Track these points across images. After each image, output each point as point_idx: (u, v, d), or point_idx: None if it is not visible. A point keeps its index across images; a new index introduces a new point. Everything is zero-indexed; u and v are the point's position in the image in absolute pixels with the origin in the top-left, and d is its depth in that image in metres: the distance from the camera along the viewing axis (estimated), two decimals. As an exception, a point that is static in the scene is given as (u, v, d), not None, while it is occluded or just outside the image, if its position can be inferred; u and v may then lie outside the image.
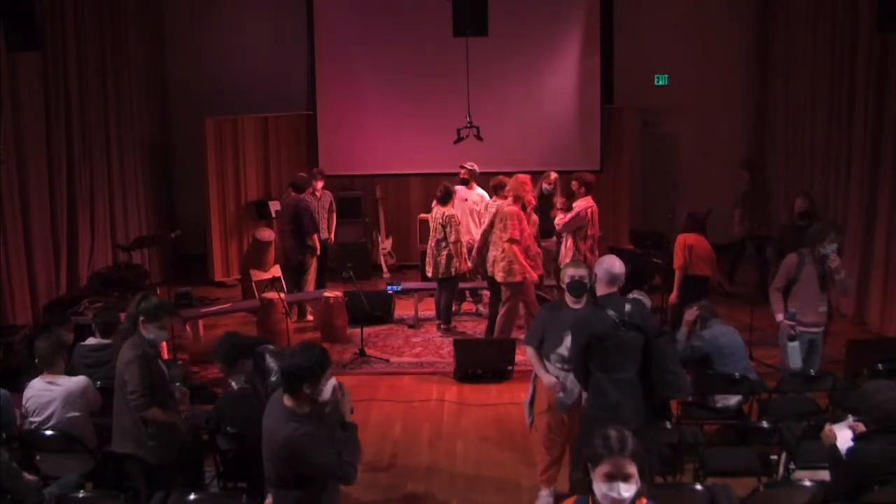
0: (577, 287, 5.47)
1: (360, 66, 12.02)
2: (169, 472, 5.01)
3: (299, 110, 12.39)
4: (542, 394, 5.61)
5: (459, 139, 10.03)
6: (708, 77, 12.40)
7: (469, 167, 9.97)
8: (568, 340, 5.38)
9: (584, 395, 5.40)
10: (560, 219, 8.84)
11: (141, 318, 4.95)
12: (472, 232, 9.60)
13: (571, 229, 8.69)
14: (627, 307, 4.90)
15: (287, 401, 3.82)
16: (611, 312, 4.85)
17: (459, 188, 9.96)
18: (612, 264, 5.07)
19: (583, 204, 8.70)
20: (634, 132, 12.45)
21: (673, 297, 8.16)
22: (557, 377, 5.43)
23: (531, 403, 5.72)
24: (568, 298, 5.55)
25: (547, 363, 5.50)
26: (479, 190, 9.94)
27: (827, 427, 4.69)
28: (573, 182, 8.90)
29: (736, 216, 10.68)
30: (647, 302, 6.27)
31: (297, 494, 3.82)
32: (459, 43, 10.26)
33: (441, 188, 9.41)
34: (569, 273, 5.54)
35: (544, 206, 9.63)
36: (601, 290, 5.04)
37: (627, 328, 4.84)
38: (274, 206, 11.82)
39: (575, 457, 5.12)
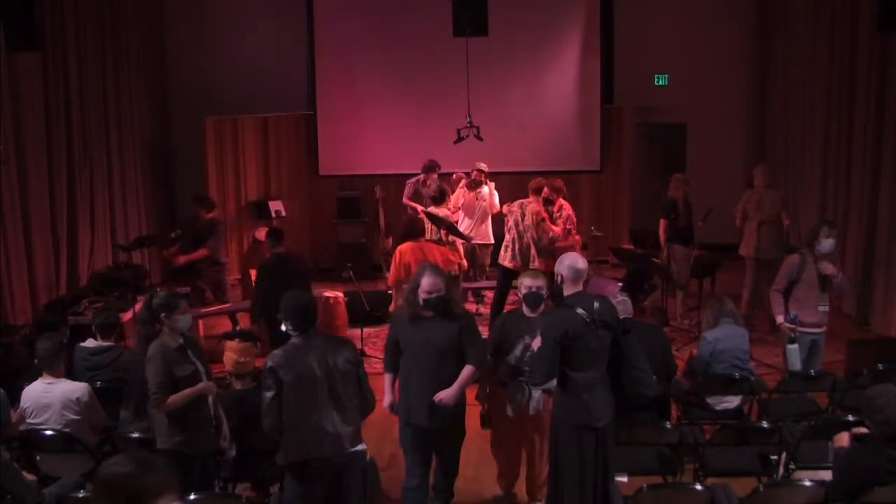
0: (534, 298, 5.47)
1: (361, 66, 12.03)
2: (206, 463, 5.02)
3: (299, 110, 12.39)
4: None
5: (459, 139, 10.03)
6: (708, 77, 12.41)
7: (482, 168, 9.99)
8: (518, 350, 5.40)
9: (540, 400, 5.43)
10: (552, 234, 8.78)
11: (163, 315, 4.97)
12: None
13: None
14: (596, 305, 4.85)
15: None
16: (580, 311, 4.78)
17: (462, 189, 9.99)
18: (575, 260, 4.99)
19: (566, 210, 8.82)
20: (634, 132, 12.45)
21: None
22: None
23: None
24: (525, 308, 5.54)
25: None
26: (486, 188, 9.99)
27: (839, 435, 4.65)
28: (545, 188, 8.87)
29: None
30: (630, 308, 6.19)
31: None
32: (459, 43, 10.26)
33: (435, 188, 9.44)
34: (525, 284, 5.52)
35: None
36: (568, 288, 4.93)
37: (597, 326, 4.80)
38: (274, 206, 11.82)
39: (553, 471, 5.08)
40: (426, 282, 5.07)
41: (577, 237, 8.91)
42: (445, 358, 5.14)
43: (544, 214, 8.80)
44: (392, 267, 7.92)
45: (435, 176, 10.30)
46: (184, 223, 9.85)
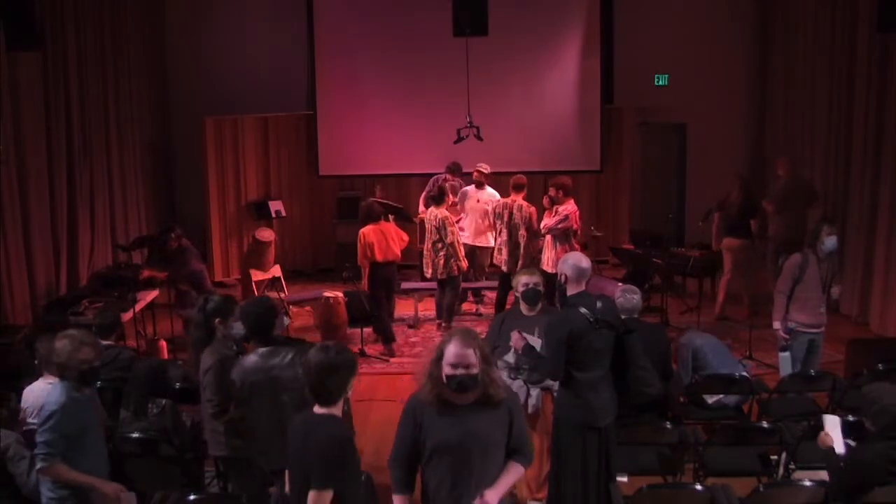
0: (532, 295, 5.51)
1: (361, 66, 12.02)
2: (258, 466, 4.93)
3: (299, 110, 12.39)
4: None
5: (459, 139, 10.03)
6: (708, 77, 12.40)
7: (482, 169, 9.98)
8: (511, 341, 5.38)
9: (539, 398, 5.43)
10: (545, 222, 8.79)
11: (217, 321, 4.94)
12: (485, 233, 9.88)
13: (559, 232, 8.64)
14: (598, 304, 4.85)
15: None
16: (583, 311, 4.78)
17: (469, 189, 10.01)
18: (579, 260, 4.98)
19: (569, 207, 8.66)
20: (634, 132, 12.45)
21: None
22: None
23: None
24: (522, 306, 5.56)
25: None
26: (490, 190, 9.97)
27: (822, 433, 4.69)
28: (551, 188, 8.86)
29: None
30: (637, 297, 6.11)
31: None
32: (459, 43, 10.27)
33: (435, 188, 9.49)
34: (522, 281, 5.54)
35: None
36: (571, 288, 4.92)
37: (600, 326, 4.79)
38: (274, 206, 11.82)
39: (554, 470, 5.08)
40: (451, 351, 3.76)
41: (576, 243, 8.71)
42: (491, 457, 3.85)
43: (532, 212, 8.89)
44: (358, 248, 8.88)
45: (458, 179, 10.36)
46: (153, 241, 10.04)
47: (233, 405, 4.76)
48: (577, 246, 8.59)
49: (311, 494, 3.59)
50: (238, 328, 4.93)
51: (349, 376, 3.73)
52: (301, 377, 4.20)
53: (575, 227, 8.66)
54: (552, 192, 8.79)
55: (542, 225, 8.84)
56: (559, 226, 8.59)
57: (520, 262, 8.88)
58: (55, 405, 4.31)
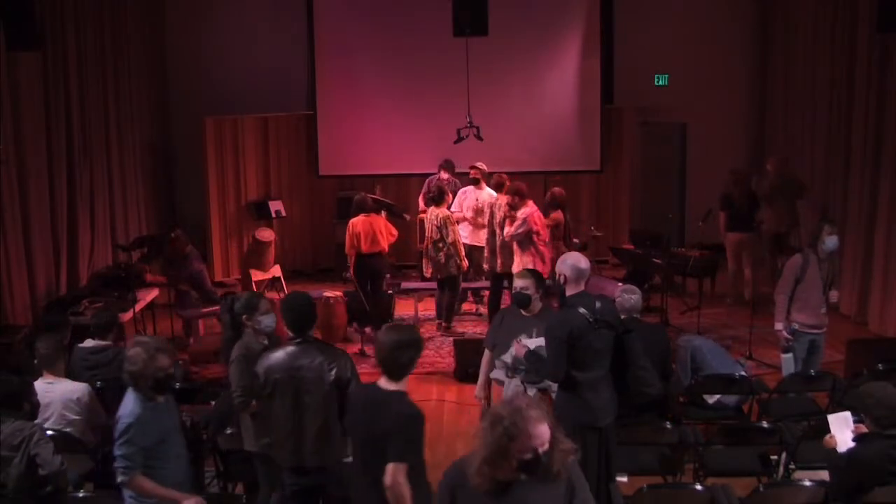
0: (519, 298, 5.57)
1: (361, 66, 12.02)
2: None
3: (299, 110, 12.38)
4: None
5: (459, 139, 10.04)
6: (708, 77, 12.40)
7: (479, 167, 9.97)
8: (514, 349, 5.39)
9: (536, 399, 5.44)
10: (507, 230, 8.68)
11: (244, 317, 4.94)
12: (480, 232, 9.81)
13: (521, 237, 8.53)
14: (598, 304, 4.85)
15: None
16: (582, 311, 4.79)
17: (468, 188, 10.00)
18: (578, 260, 4.97)
19: (526, 211, 8.57)
20: (634, 132, 12.44)
21: None
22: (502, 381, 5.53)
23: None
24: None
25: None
26: (489, 189, 9.95)
27: (828, 436, 4.70)
28: (507, 196, 8.74)
29: None
30: (637, 297, 6.10)
31: None
32: (459, 43, 10.26)
33: (435, 188, 9.50)
34: (514, 284, 5.65)
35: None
36: (570, 289, 4.92)
37: (599, 326, 4.79)
38: (274, 206, 11.82)
39: None
40: (532, 431, 3.07)
41: (542, 245, 8.51)
42: None
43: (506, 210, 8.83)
44: (346, 237, 9.16)
45: (451, 177, 10.40)
46: (154, 241, 10.08)
47: (254, 401, 4.76)
48: (543, 249, 8.47)
49: (390, 467, 3.89)
50: (267, 322, 4.94)
51: (417, 354, 4.09)
52: (324, 382, 4.40)
53: (535, 228, 8.48)
54: (508, 199, 8.71)
55: (504, 233, 8.74)
56: (519, 231, 8.51)
57: (499, 261, 8.88)
58: (131, 417, 4.22)
